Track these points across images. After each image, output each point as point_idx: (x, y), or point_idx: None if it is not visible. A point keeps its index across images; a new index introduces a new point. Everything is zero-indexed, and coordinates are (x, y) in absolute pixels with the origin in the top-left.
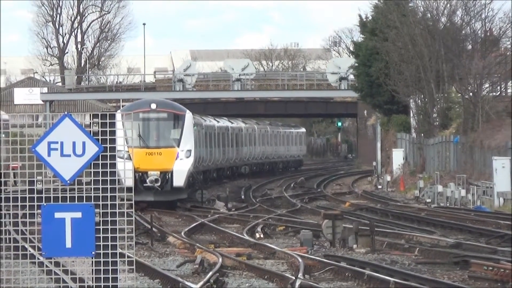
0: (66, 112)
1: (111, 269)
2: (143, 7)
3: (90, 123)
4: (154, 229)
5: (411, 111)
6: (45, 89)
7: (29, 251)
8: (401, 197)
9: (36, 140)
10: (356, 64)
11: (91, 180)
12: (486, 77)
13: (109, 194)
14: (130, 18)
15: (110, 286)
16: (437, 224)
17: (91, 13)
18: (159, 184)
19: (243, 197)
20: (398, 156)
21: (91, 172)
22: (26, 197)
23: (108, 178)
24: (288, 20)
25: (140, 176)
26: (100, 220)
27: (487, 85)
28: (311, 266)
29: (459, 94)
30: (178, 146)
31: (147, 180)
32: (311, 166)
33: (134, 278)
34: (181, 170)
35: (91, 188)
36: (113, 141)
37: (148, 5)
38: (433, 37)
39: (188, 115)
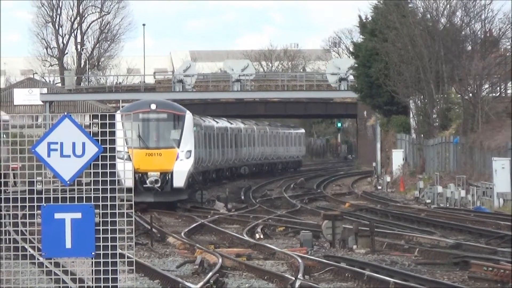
0: (65, 113)
1: (111, 269)
2: (143, 7)
3: (90, 123)
4: (154, 229)
5: (410, 112)
6: (44, 90)
7: (29, 251)
8: (401, 197)
9: (36, 141)
10: (356, 65)
11: (91, 180)
12: (485, 78)
13: (109, 195)
14: (129, 18)
15: (110, 287)
16: (437, 224)
17: (90, 13)
18: (159, 185)
19: (243, 197)
20: (398, 157)
21: (91, 172)
22: (26, 197)
23: (108, 178)
24: (288, 20)
25: (140, 177)
26: (100, 221)
27: (486, 86)
28: (311, 266)
29: (459, 95)
30: (178, 146)
31: (147, 181)
32: (311, 167)
33: (134, 279)
34: (181, 171)
35: (91, 188)
36: (113, 141)
37: (148, 6)
38: (432, 38)
39: (188, 115)
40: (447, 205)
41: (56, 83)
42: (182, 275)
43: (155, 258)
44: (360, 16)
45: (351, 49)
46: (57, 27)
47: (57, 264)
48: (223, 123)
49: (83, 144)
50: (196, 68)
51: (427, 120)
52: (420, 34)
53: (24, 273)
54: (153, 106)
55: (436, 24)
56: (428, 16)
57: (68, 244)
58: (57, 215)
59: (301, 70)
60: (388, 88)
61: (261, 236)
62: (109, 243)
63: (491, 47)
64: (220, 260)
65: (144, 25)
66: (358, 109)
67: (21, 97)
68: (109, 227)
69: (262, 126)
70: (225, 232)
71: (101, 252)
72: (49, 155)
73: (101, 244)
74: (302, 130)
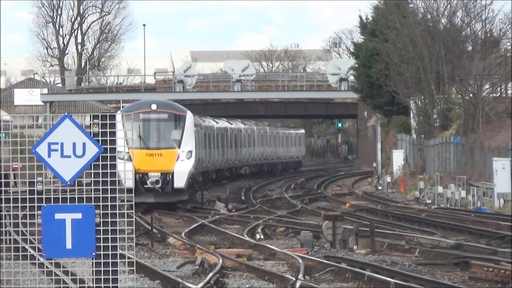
0: (66, 113)
1: (111, 270)
2: (143, 8)
3: (90, 124)
4: (154, 230)
5: (411, 112)
6: (45, 90)
7: (30, 252)
8: (402, 198)
9: (36, 141)
10: (356, 65)
11: (91, 181)
12: (486, 78)
13: (109, 195)
14: (130, 19)
15: (111, 287)
16: (437, 225)
17: (91, 14)
18: (159, 185)
19: (243, 198)
20: (398, 157)
21: (91, 173)
22: (26, 198)
23: (108, 179)
24: (288, 20)
25: (140, 178)
26: (100, 221)
27: (487, 86)
28: (311, 267)
29: (459, 95)
30: (179, 147)
31: (148, 182)
32: (311, 167)
33: (134, 279)
34: (182, 171)
35: (91, 189)
36: (113, 142)
37: (148, 6)
38: (433, 38)
39: (189, 115)
40: (448, 206)
41: (56, 84)
42: (183, 276)
43: (156, 258)
44: (360, 17)
45: (351, 50)
46: (57, 27)
47: (57, 265)
48: (223, 123)
49: (84, 144)
50: (197, 68)
51: (427, 120)
52: (421, 35)
53: (24, 274)
54: (153, 106)
55: (436, 24)
56: (429, 16)
57: (69, 245)
58: (58, 216)
59: (302, 71)
60: (388, 88)
61: (262, 237)
62: (110, 244)
63: (492, 47)
64: (221, 260)
65: (144, 25)
66: (358, 110)
67: (22, 97)
68: (109, 228)
69: (262, 127)
70: (226, 233)
71: (102, 252)
72: (49, 156)
73: (102, 244)
74: (302, 131)
